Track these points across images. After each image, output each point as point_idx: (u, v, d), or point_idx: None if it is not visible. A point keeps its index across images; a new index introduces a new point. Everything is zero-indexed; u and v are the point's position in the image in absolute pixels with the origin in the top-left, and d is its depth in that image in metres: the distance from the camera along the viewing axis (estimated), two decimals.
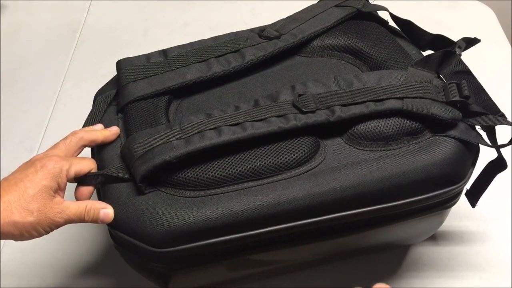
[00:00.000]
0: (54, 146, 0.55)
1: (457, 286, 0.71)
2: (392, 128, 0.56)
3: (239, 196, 0.53)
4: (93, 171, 0.56)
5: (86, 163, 0.55)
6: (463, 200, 0.79)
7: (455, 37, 0.64)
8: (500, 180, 0.81)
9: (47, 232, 0.51)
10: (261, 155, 0.54)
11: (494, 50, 0.98)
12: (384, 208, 0.56)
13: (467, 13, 1.06)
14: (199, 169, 0.54)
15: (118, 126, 0.60)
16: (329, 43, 0.66)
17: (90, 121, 0.61)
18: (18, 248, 0.77)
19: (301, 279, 0.72)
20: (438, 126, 0.57)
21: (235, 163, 0.54)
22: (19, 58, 1.03)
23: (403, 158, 0.55)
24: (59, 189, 0.52)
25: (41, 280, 0.74)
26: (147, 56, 0.65)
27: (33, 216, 0.49)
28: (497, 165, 0.60)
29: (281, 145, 0.55)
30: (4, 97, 0.96)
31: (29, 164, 0.52)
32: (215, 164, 0.54)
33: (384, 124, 0.56)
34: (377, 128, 0.56)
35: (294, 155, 0.55)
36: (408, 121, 0.56)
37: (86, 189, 0.55)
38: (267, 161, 0.54)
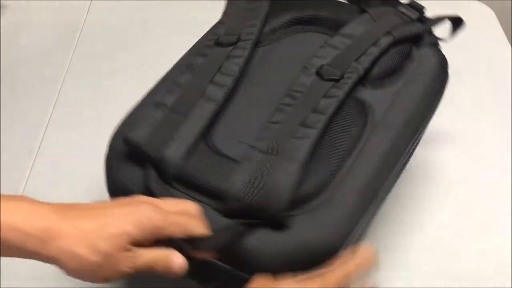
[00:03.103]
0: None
1: (457, 286, 0.71)
2: (397, 58, 0.63)
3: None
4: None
5: (188, 229, 0.46)
6: (463, 200, 0.79)
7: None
8: (500, 180, 0.81)
9: (106, 281, 0.43)
10: (336, 144, 0.56)
11: (494, 50, 0.98)
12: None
13: (467, 13, 1.05)
14: None
15: None
16: (277, 24, 0.68)
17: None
18: None
19: None
20: (414, 41, 0.65)
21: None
22: (19, 58, 1.03)
23: (418, 78, 0.63)
24: (142, 241, 0.43)
25: (41, 280, 0.74)
26: (151, 117, 0.58)
27: (97, 257, 0.41)
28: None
29: (339, 123, 0.57)
30: (4, 97, 0.96)
31: (129, 200, 0.45)
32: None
33: (390, 58, 0.62)
34: (388, 64, 0.62)
35: (358, 125, 0.58)
36: (401, 47, 0.64)
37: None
38: (345, 142, 0.56)
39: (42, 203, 0.41)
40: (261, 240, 0.51)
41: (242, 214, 0.52)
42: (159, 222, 0.43)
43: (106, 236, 0.41)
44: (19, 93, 0.97)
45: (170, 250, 0.46)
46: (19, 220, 0.39)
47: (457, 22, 0.69)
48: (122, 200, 0.45)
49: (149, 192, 0.52)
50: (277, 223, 0.51)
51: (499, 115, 0.88)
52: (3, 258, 0.75)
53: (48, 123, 0.92)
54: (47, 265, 0.74)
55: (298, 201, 0.52)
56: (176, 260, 0.46)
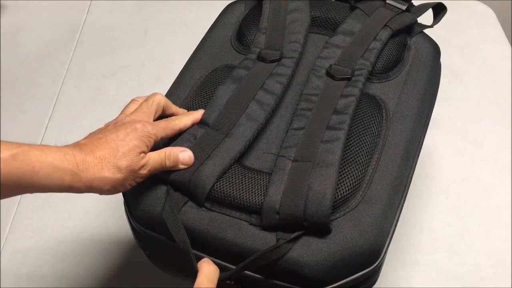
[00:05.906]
0: (137, 109, 0.56)
1: (457, 286, 0.71)
2: (396, 49, 0.64)
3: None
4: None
5: (170, 128, 0.56)
6: (463, 200, 0.79)
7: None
8: (500, 180, 0.81)
9: (131, 186, 0.52)
10: (361, 142, 0.56)
11: (494, 50, 0.98)
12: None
13: (467, 13, 1.06)
14: None
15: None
16: None
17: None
18: (18, 248, 0.77)
19: None
20: (407, 31, 0.67)
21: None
22: (19, 58, 1.03)
23: (418, 65, 0.64)
24: (146, 149, 0.53)
25: (41, 280, 0.74)
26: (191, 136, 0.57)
27: (121, 173, 0.50)
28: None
29: (359, 121, 0.57)
30: (4, 97, 0.96)
31: (119, 126, 0.53)
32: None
33: (390, 50, 0.64)
34: (389, 56, 0.63)
35: (376, 120, 0.58)
36: (398, 38, 0.65)
37: None
38: (368, 139, 0.56)
39: (64, 146, 0.51)
40: (306, 249, 0.50)
41: (281, 225, 0.51)
42: (154, 131, 0.54)
43: (120, 155, 0.50)
44: (19, 93, 0.97)
45: (175, 146, 0.55)
46: (56, 160, 0.48)
47: (439, 9, 0.70)
48: (117, 125, 0.53)
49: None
50: (320, 230, 0.51)
51: (499, 115, 0.89)
52: (3, 259, 0.75)
53: (48, 123, 0.92)
54: (47, 265, 0.75)
55: (337, 204, 0.52)
56: (181, 152, 0.54)
